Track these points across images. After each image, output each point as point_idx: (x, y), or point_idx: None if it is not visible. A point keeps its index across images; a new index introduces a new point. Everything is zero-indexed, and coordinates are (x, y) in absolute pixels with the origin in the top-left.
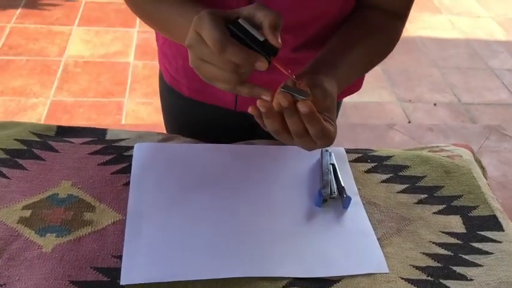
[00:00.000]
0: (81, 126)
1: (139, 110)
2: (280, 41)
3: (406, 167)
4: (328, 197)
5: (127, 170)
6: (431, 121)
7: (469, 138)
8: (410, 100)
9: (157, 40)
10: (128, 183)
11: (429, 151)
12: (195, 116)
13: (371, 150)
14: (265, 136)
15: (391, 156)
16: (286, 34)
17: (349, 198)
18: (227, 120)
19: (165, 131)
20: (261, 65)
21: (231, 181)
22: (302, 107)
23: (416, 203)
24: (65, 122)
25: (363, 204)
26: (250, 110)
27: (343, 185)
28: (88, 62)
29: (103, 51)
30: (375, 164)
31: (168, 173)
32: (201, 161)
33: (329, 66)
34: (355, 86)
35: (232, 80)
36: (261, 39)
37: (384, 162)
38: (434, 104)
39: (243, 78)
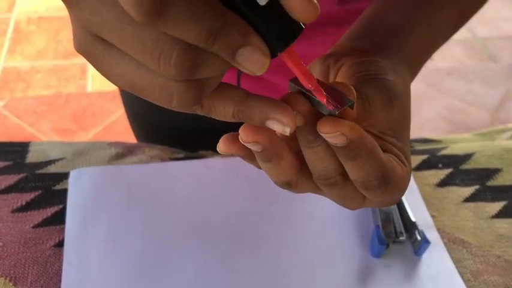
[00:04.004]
0: None
1: None
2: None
3: (495, 172)
4: (393, 241)
5: (59, 219)
6: (447, 62)
7: (494, 81)
8: None
9: None
10: (61, 244)
11: None
12: (170, 118)
13: (436, 143)
14: None
15: (471, 155)
16: None
17: (426, 242)
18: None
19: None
20: (256, 57)
21: (230, 221)
22: (334, 136)
23: None
24: (20, 91)
25: (444, 244)
26: (222, 147)
27: (413, 219)
28: (43, 18)
29: (60, 2)
30: (449, 170)
31: (127, 218)
32: (179, 190)
33: (390, 32)
34: None
35: (184, 90)
36: (262, 1)
37: (463, 166)
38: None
39: (207, 86)
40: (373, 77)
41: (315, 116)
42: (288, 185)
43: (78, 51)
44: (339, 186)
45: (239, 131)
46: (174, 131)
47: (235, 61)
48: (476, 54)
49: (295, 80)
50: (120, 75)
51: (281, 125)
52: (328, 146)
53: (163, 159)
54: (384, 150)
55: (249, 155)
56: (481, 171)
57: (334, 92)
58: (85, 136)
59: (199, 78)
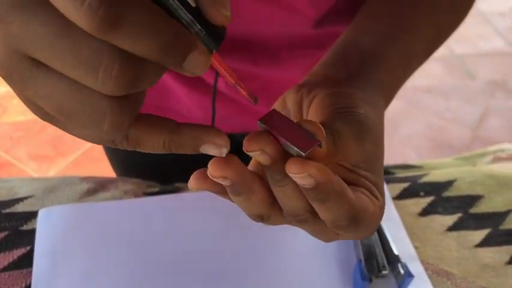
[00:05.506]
0: None
1: None
2: (228, 12)
3: (478, 199)
4: (375, 276)
5: (27, 261)
6: (426, 80)
7: (473, 98)
8: None
9: None
10: None
11: (494, 159)
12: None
13: (417, 169)
14: None
15: (453, 182)
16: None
17: (409, 276)
18: None
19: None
20: (203, 59)
21: (207, 258)
22: (302, 177)
23: (508, 263)
24: None
25: (428, 276)
26: (193, 184)
27: (396, 251)
28: None
29: None
30: (431, 198)
31: (100, 259)
32: (153, 227)
33: (364, 58)
34: None
35: (118, 108)
36: (192, 2)
37: (445, 194)
38: None
39: (138, 103)
40: (344, 111)
41: (283, 155)
42: (260, 218)
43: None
44: (310, 223)
45: (208, 166)
46: (151, 161)
47: (183, 67)
48: (454, 71)
49: (263, 120)
50: (48, 97)
51: (217, 148)
52: (296, 185)
53: (137, 194)
54: (357, 184)
55: (221, 190)
56: (463, 198)
57: (302, 131)
58: (63, 162)
59: (132, 93)
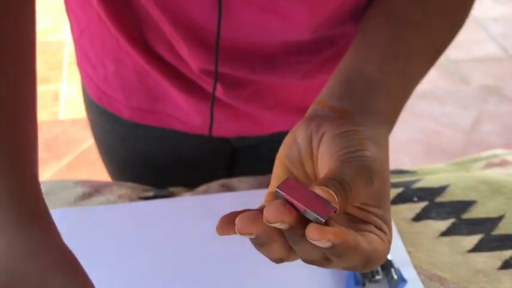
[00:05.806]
0: None
1: (81, 98)
2: None
3: (471, 204)
4: (369, 280)
5: None
6: (420, 85)
7: (467, 103)
8: None
9: (71, 29)
10: None
11: (487, 164)
12: (142, 147)
13: (411, 174)
14: (249, 167)
15: (446, 187)
16: (301, 6)
17: (402, 281)
18: (194, 149)
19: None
20: None
21: (201, 263)
22: (321, 242)
23: (501, 268)
24: None
25: (421, 281)
26: (219, 231)
27: (389, 257)
28: None
29: None
30: (425, 203)
31: (93, 264)
32: (148, 232)
33: (367, 88)
34: None
35: None
36: None
37: (438, 199)
38: None
39: None
40: (353, 155)
41: (300, 220)
42: (281, 260)
43: None
44: (325, 265)
45: (235, 222)
46: (146, 165)
47: None
48: (449, 76)
49: (281, 188)
50: None
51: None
52: (313, 246)
53: (131, 199)
54: (365, 221)
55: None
56: (456, 203)
57: (316, 196)
58: (57, 165)
59: None
